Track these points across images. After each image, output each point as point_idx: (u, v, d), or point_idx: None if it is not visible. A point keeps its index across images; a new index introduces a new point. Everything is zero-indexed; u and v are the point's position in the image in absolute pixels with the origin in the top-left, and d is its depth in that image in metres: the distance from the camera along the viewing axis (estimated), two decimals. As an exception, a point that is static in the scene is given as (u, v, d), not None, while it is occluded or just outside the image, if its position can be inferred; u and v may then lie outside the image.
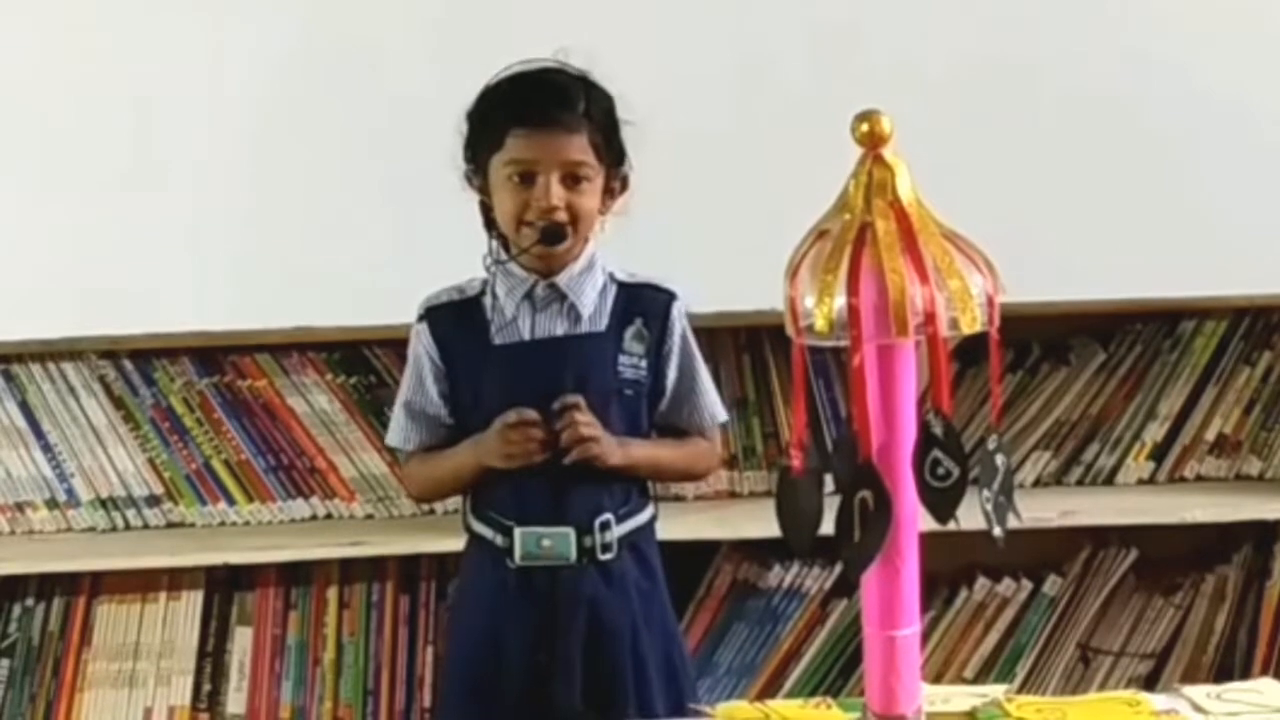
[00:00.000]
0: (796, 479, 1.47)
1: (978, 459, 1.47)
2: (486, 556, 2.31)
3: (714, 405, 2.40)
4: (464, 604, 2.45)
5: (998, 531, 1.47)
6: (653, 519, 2.37)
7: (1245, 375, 3.11)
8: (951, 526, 1.44)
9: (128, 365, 3.04)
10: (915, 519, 1.46)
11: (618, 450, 2.26)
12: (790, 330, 1.46)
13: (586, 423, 2.23)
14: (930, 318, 1.40)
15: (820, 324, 1.41)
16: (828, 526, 1.44)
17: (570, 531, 2.26)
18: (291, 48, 2.84)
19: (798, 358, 1.47)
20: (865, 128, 1.44)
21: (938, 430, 1.42)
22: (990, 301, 1.43)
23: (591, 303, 2.30)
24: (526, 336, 2.29)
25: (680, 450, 2.38)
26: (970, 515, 1.43)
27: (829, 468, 1.48)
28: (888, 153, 1.44)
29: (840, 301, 1.40)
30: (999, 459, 1.49)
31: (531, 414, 2.22)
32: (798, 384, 1.50)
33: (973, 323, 1.41)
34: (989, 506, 1.46)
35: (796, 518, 1.46)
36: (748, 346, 3.07)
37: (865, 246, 1.41)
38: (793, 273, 1.45)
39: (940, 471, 1.42)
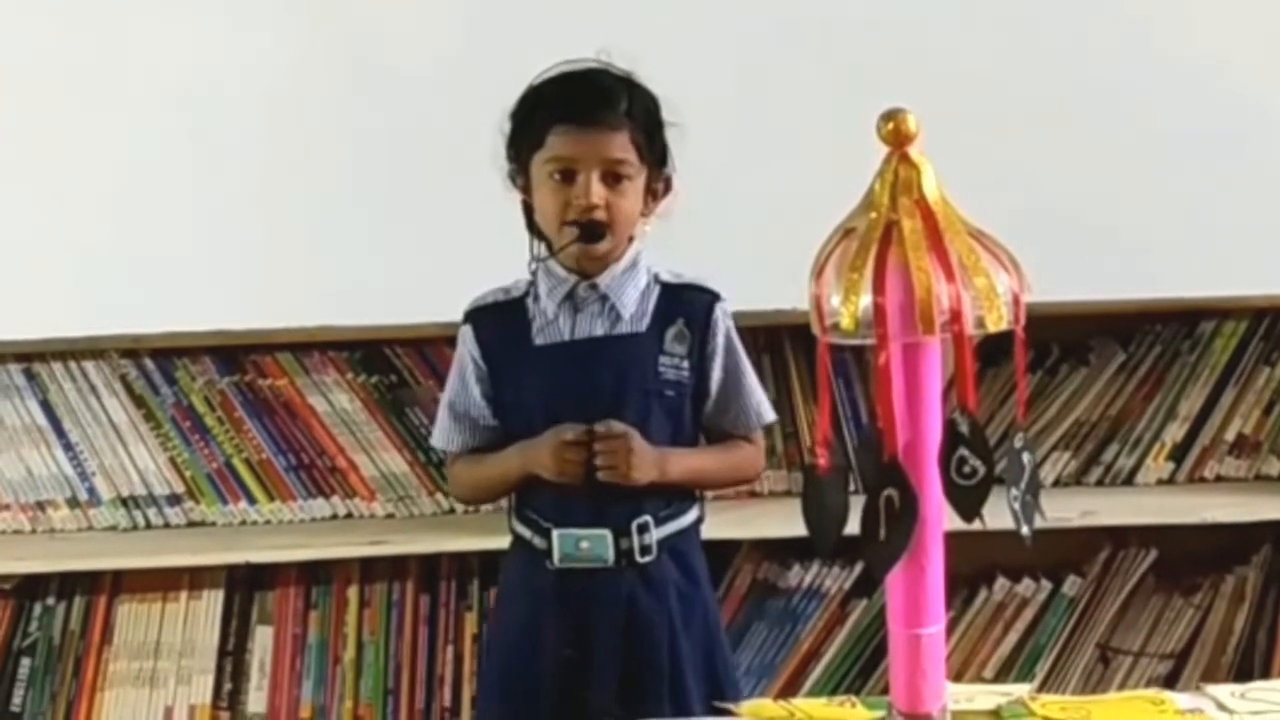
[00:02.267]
0: (822, 477, 1.47)
1: (1003, 457, 1.47)
2: (526, 558, 2.32)
3: (760, 406, 2.39)
4: (503, 604, 2.46)
5: (1026, 530, 1.47)
6: (697, 521, 2.37)
7: (1265, 375, 3.10)
8: (975, 526, 1.44)
9: (149, 364, 3.05)
10: (941, 517, 1.45)
11: (651, 470, 2.25)
12: (816, 329, 1.45)
13: (613, 450, 2.22)
14: (956, 316, 1.39)
15: (846, 322, 1.40)
16: (852, 526, 1.44)
17: (607, 534, 2.26)
18: (315, 45, 2.85)
19: (823, 356, 1.47)
20: (891, 126, 1.43)
21: (963, 428, 1.42)
22: (1016, 300, 1.43)
23: (632, 303, 2.30)
24: (566, 337, 2.30)
25: (725, 459, 2.38)
26: (992, 514, 1.43)
27: (852, 467, 1.48)
28: (913, 151, 1.44)
29: (866, 300, 1.39)
30: (1025, 457, 1.48)
31: (583, 436, 2.22)
32: (822, 382, 1.49)
33: (999, 321, 1.41)
34: (1016, 505, 1.46)
35: (822, 516, 1.46)
36: (768, 346, 3.07)
37: (891, 245, 1.40)
38: (818, 271, 1.44)
39: (966, 469, 1.41)
